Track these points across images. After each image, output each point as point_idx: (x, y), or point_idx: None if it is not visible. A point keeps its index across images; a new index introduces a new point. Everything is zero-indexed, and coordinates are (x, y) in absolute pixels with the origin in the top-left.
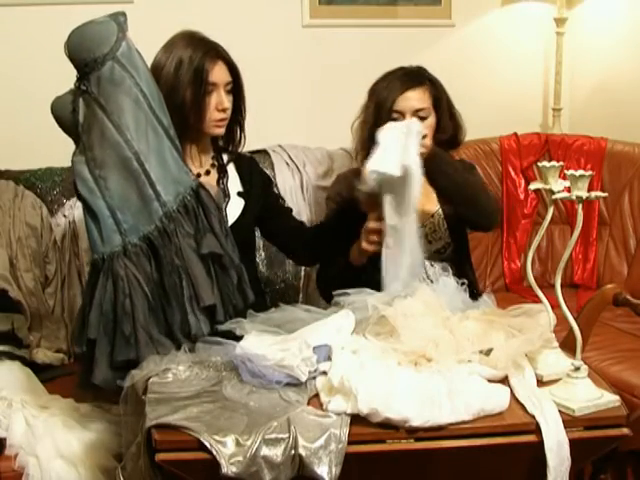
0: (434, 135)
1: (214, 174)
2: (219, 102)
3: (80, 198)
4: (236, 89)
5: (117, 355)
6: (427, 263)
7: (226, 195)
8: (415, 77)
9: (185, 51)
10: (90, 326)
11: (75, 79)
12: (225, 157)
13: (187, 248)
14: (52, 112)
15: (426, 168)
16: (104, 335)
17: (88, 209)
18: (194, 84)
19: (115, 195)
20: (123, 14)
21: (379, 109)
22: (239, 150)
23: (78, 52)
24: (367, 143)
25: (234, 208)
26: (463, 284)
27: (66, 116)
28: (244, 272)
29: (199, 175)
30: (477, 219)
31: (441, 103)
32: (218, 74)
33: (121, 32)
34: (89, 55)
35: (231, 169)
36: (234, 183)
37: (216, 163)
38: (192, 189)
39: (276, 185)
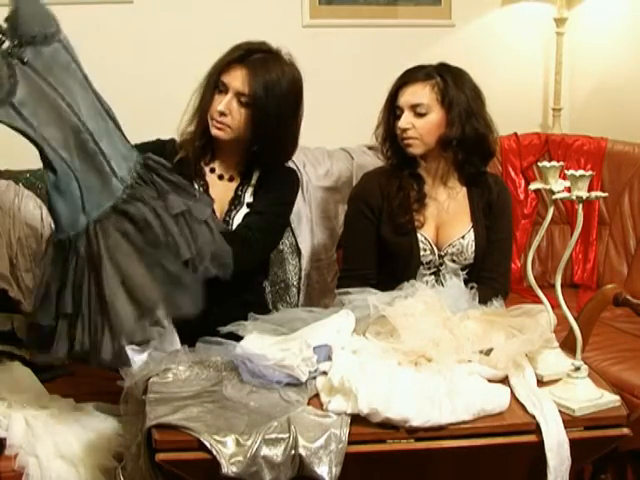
0: (443, 132)
1: (237, 181)
2: (219, 103)
3: (54, 174)
4: (256, 110)
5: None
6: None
7: (240, 203)
8: (420, 72)
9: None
10: (66, 302)
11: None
12: (256, 168)
13: (159, 208)
14: None
15: None
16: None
17: (58, 188)
18: (210, 74)
19: (81, 176)
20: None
21: (385, 106)
22: (269, 167)
23: (30, 21)
24: (384, 141)
25: (240, 216)
26: (472, 288)
27: None
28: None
29: (221, 177)
30: None
31: (450, 100)
32: (231, 76)
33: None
34: (40, 29)
35: (256, 180)
36: (251, 193)
37: (243, 170)
38: (139, 162)
39: None
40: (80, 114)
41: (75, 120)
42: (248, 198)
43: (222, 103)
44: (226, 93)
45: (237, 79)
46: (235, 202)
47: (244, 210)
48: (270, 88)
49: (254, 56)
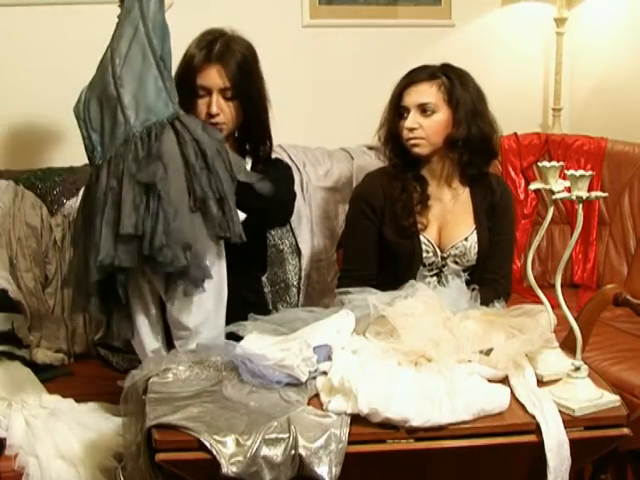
0: (449, 132)
1: None
2: (206, 106)
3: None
4: (242, 97)
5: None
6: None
7: None
8: (425, 72)
9: (190, 46)
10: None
11: None
12: (249, 161)
13: (126, 172)
14: None
15: None
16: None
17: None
18: (184, 82)
19: (93, 117)
20: None
21: (389, 106)
22: (263, 155)
23: None
24: (388, 141)
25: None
26: (474, 290)
27: None
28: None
29: None
30: None
31: (457, 99)
32: (208, 77)
33: None
34: None
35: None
36: None
37: None
38: (166, 119)
39: None
40: (117, 58)
41: (108, 63)
42: None
43: (212, 105)
44: (209, 95)
45: (215, 77)
46: None
47: None
48: (243, 68)
49: (216, 48)
